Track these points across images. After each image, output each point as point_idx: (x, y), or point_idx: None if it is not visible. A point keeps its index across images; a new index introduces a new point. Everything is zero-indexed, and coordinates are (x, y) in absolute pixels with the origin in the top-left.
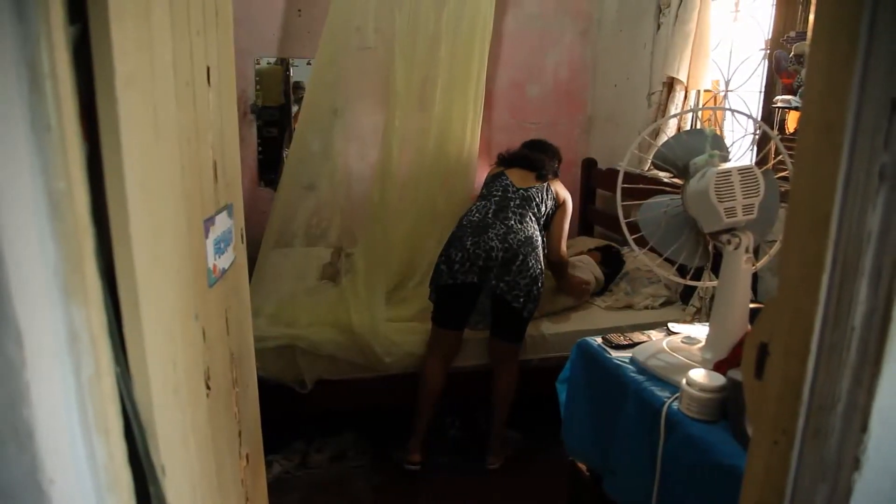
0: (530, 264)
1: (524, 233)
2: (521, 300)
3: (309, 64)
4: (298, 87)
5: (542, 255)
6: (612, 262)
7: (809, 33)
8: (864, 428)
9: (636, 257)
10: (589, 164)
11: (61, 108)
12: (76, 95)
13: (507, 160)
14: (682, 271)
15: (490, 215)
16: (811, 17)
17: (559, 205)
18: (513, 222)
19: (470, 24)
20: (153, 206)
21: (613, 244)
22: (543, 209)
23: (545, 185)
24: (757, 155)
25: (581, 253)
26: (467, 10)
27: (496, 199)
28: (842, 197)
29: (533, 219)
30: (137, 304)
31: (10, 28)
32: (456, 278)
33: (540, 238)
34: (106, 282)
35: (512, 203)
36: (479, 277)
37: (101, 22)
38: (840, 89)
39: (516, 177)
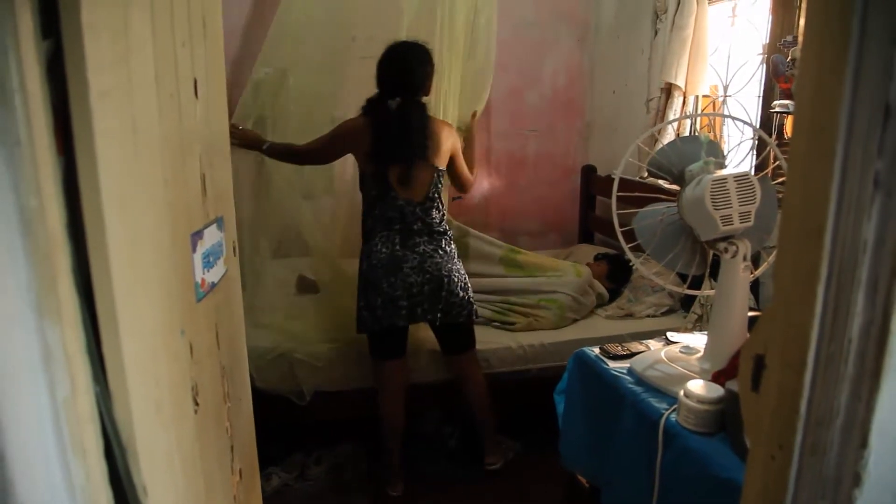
0: (455, 278)
1: (438, 251)
2: (465, 313)
3: None
4: None
5: (455, 251)
6: (620, 274)
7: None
8: (863, 443)
9: (633, 266)
10: (588, 171)
11: (32, 123)
12: (50, 110)
13: (383, 153)
14: (683, 279)
15: (398, 247)
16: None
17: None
18: (422, 247)
19: (465, 24)
20: (133, 221)
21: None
22: (440, 192)
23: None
24: (757, 160)
25: (587, 265)
26: (459, 14)
27: (397, 228)
28: (836, 205)
29: (436, 222)
30: (116, 320)
31: None
32: (381, 324)
33: (446, 225)
34: (84, 298)
35: (415, 227)
36: (407, 319)
37: (74, 37)
38: (832, 93)
39: (407, 188)
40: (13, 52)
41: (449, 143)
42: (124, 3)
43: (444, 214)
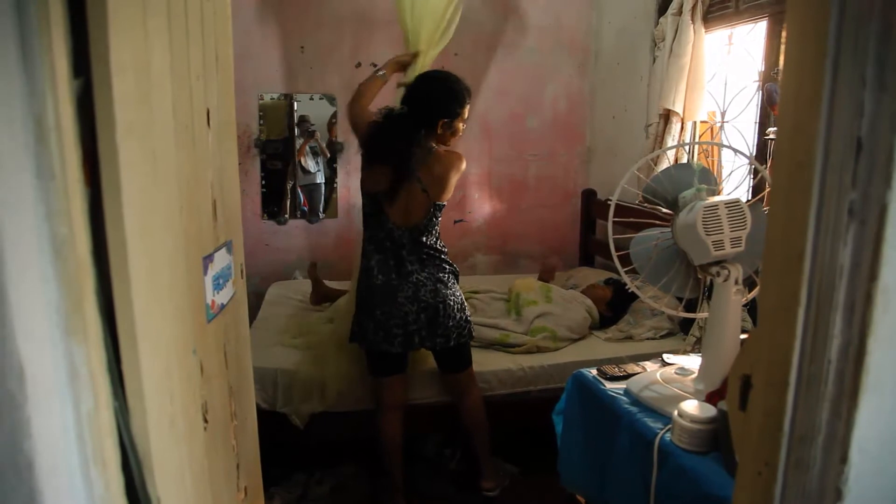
0: (450, 302)
1: (431, 278)
2: (465, 332)
3: (312, 99)
4: (304, 120)
5: (450, 276)
6: (624, 301)
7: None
8: (843, 459)
9: (628, 289)
10: (588, 195)
11: (65, 158)
12: (79, 144)
13: (370, 150)
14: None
15: (394, 277)
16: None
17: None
18: (416, 276)
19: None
20: (152, 247)
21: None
22: (435, 226)
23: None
24: (754, 180)
25: (591, 286)
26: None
27: (389, 250)
28: (814, 233)
29: (427, 249)
30: (135, 340)
31: (19, 84)
32: (371, 346)
33: (441, 249)
34: (105, 319)
35: (404, 251)
36: (402, 346)
37: (104, 76)
38: (808, 129)
39: (397, 212)
40: (50, 93)
41: (455, 176)
42: (147, 41)
43: (437, 243)
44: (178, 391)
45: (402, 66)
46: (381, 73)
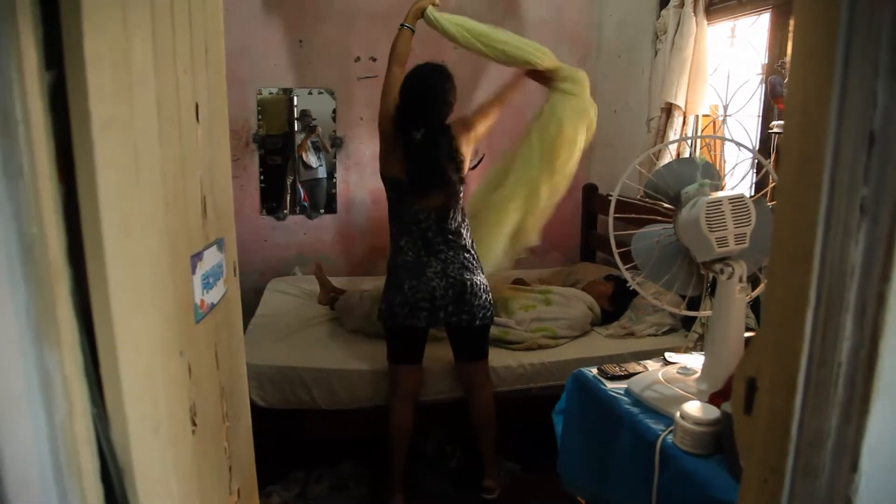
0: (477, 282)
1: (458, 256)
2: (489, 315)
3: (311, 93)
4: (305, 115)
5: (473, 260)
6: (622, 299)
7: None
8: (854, 467)
9: (629, 287)
10: (589, 190)
11: (34, 153)
12: (52, 139)
13: (410, 182)
14: (685, 297)
15: (423, 254)
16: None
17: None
18: (444, 254)
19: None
20: (132, 246)
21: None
22: (458, 201)
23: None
24: (757, 176)
25: (592, 282)
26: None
27: (415, 232)
28: (823, 231)
29: (452, 230)
30: (114, 344)
31: None
32: (396, 321)
33: (465, 234)
34: (83, 322)
35: (430, 233)
36: (428, 321)
37: (77, 68)
38: (817, 123)
39: (422, 199)
40: (17, 85)
41: (468, 144)
42: (126, 34)
43: (461, 228)
44: (163, 395)
45: (421, 11)
46: (406, 26)
